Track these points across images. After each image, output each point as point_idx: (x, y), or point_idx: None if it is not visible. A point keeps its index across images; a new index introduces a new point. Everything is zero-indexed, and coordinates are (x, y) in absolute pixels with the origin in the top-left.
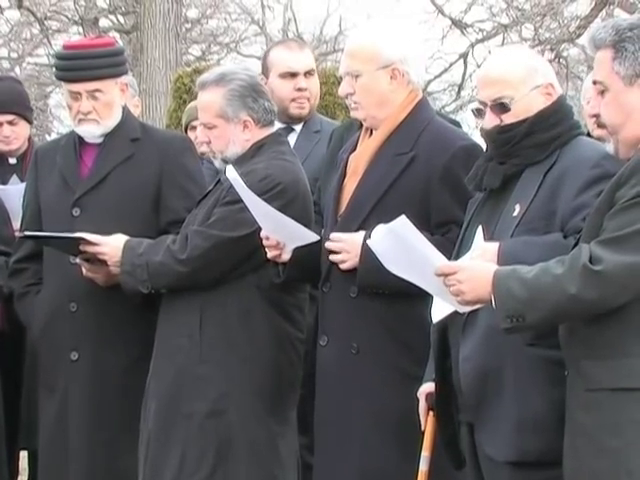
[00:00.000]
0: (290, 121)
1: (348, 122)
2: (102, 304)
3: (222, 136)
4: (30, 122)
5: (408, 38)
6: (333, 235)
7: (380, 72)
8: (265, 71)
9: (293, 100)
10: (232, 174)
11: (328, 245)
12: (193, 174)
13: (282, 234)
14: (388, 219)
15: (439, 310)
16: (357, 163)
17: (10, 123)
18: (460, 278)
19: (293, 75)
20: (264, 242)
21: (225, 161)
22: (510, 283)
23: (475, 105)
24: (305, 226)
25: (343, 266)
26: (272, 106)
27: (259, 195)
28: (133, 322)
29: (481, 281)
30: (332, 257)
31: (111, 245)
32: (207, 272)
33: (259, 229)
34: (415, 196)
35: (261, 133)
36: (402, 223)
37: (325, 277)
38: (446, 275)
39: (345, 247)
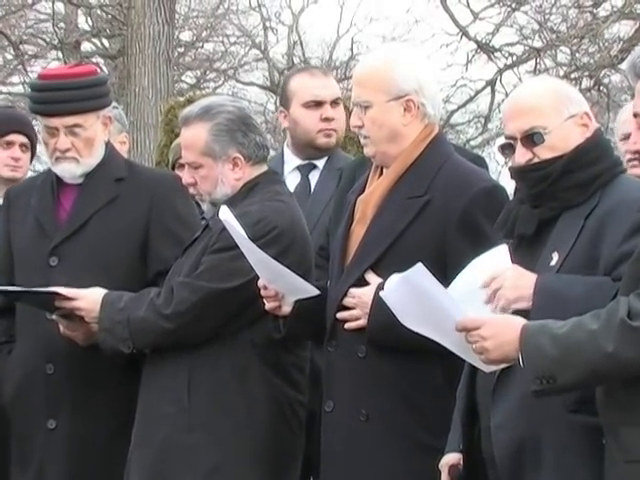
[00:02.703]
0: (315, 155)
1: (360, 158)
2: (82, 366)
3: (209, 176)
4: (32, 158)
5: (426, 65)
6: (352, 291)
7: (392, 103)
8: (285, 102)
9: (320, 131)
10: (225, 215)
11: (346, 301)
12: (185, 218)
13: (281, 284)
14: (397, 270)
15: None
16: (365, 207)
17: (23, 146)
18: (484, 334)
19: (319, 104)
20: (262, 292)
21: (214, 204)
22: (540, 340)
23: (502, 141)
24: (303, 275)
25: (357, 323)
26: (264, 141)
27: (253, 241)
28: (117, 386)
29: (508, 337)
30: (342, 314)
31: (88, 299)
32: (195, 328)
33: (254, 279)
34: (429, 245)
35: (253, 171)
36: (419, 271)
37: (330, 334)
38: (468, 330)
39: (359, 302)
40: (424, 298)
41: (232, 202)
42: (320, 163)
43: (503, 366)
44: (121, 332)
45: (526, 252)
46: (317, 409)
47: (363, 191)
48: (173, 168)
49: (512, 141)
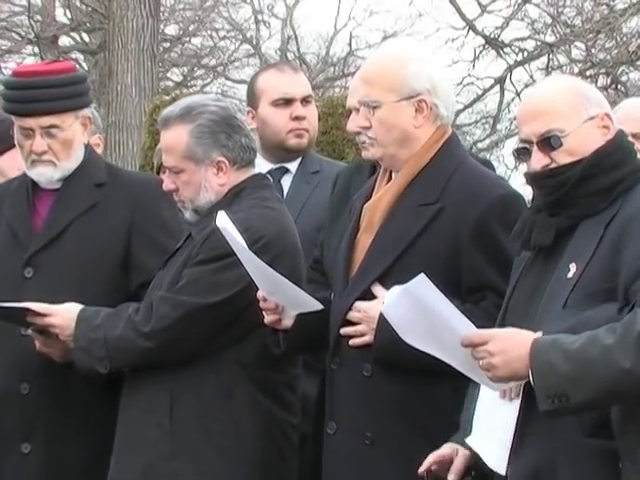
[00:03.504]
0: (286, 157)
1: (356, 163)
2: (59, 385)
3: (192, 182)
4: None
5: (438, 62)
6: (358, 305)
7: (403, 104)
8: (253, 101)
9: (290, 131)
10: (222, 222)
11: (351, 316)
12: (170, 226)
13: (281, 297)
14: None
15: (492, 454)
16: (372, 214)
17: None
18: (492, 349)
19: (288, 102)
20: (261, 304)
21: (197, 211)
22: (552, 356)
23: (517, 145)
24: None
25: (363, 340)
26: (250, 142)
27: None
28: (96, 407)
29: (517, 353)
30: (347, 330)
31: (63, 316)
32: (177, 347)
33: (240, 293)
34: (441, 256)
35: (239, 176)
36: (421, 283)
37: (333, 351)
38: (475, 346)
39: (365, 317)
40: (427, 312)
41: (216, 209)
42: (293, 167)
43: (512, 384)
44: (97, 351)
45: (543, 264)
46: (309, 432)
47: (370, 197)
48: (158, 172)
49: (527, 145)
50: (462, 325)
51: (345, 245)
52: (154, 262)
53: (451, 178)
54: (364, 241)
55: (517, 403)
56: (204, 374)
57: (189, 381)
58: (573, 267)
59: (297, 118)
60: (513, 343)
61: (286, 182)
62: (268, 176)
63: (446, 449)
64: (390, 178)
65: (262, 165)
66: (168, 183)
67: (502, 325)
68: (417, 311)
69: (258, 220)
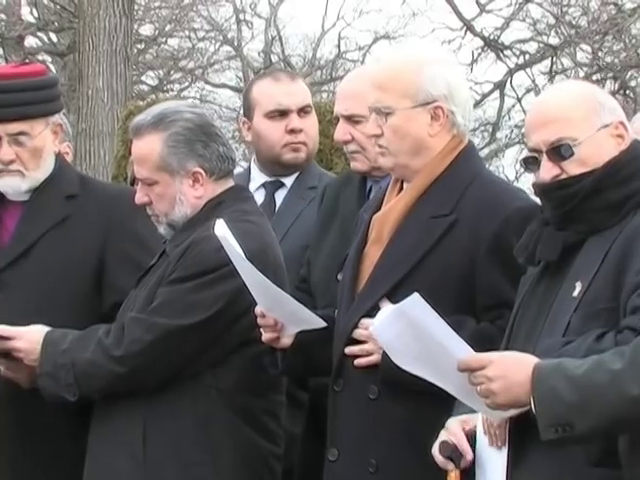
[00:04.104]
0: (282, 172)
1: (345, 175)
2: (26, 413)
3: (166, 194)
4: None
5: (456, 66)
6: (365, 322)
7: (419, 110)
8: (247, 111)
9: (285, 145)
10: (221, 231)
11: (357, 334)
12: (147, 242)
13: (281, 313)
14: None
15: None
16: (382, 226)
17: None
18: (490, 374)
19: (283, 114)
20: (259, 320)
21: (171, 226)
22: (555, 381)
23: (525, 154)
24: None
25: (369, 359)
26: (229, 152)
27: (217, 269)
28: (64, 436)
29: (518, 378)
30: (352, 349)
31: (27, 339)
32: (151, 372)
33: (219, 313)
34: (455, 271)
35: (216, 188)
36: (415, 303)
37: (337, 372)
38: (472, 370)
39: (372, 335)
40: (421, 333)
41: (193, 224)
42: (289, 181)
43: (512, 412)
44: (65, 377)
45: (549, 282)
46: (293, 465)
47: (379, 208)
48: (132, 184)
49: (536, 154)
50: (459, 348)
51: (352, 258)
52: (129, 281)
53: (467, 189)
54: (372, 254)
55: (505, 452)
56: (180, 401)
57: (164, 408)
58: (578, 285)
59: (293, 131)
60: (513, 368)
61: (280, 196)
62: (257, 188)
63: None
64: (401, 188)
65: (257, 178)
66: (140, 196)
67: (507, 349)
68: (410, 332)
69: (237, 235)
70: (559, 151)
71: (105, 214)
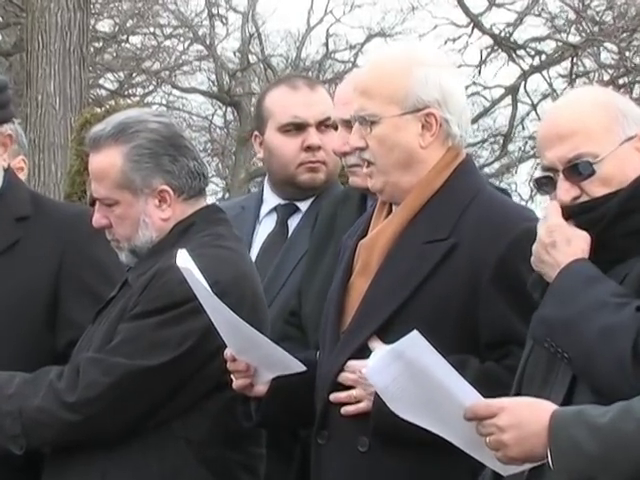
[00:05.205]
0: (297, 195)
1: (342, 194)
2: None
3: (128, 216)
4: None
5: (451, 68)
6: (351, 364)
7: (408, 118)
8: (259, 124)
9: (301, 164)
10: (183, 261)
11: (343, 378)
12: (107, 270)
13: (255, 356)
14: None
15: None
16: (369, 254)
17: None
18: (501, 424)
19: (300, 128)
20: (229, 365)
21: (134, 253)
22: (576, 432)
23: (538, 173)
24: None
25: (358, 407)
26: (201, 167)
27: (186, 302)
28: None
29: (533, 428)
30: (337, 395)
31: None
32: (110, 420)
33: (188, 353)
34: (455, 303)
35: (186, 208)
36: (414, 342)
37: (321, 422)
38: (481, 419)
39: (361, 379)
40: (421, 377)
41: (159, 250)
42: (304, 205)
43: (527, 467)
44: (10, 426)
45: None
46: None
47: (365, 234)
48: (92, 204)
49: (552, 173)
50: (465, 393)
51: (336, 291)
52: (86, 315)
53: (466, 209)
54: (359, 286)
55: None
56: (144, 453)
57: (125, 462)
58: None
59: (310, 148)
60: (528, 416)
61: (293, 222)
62: (269, 212)
63: None
64: (390, 210)
65: (270, 200)
66: (99, 218)
67: (518, 394)
68: (409, 376)
69: (210, 263)
70: (577, 169)
71: (61, 238)
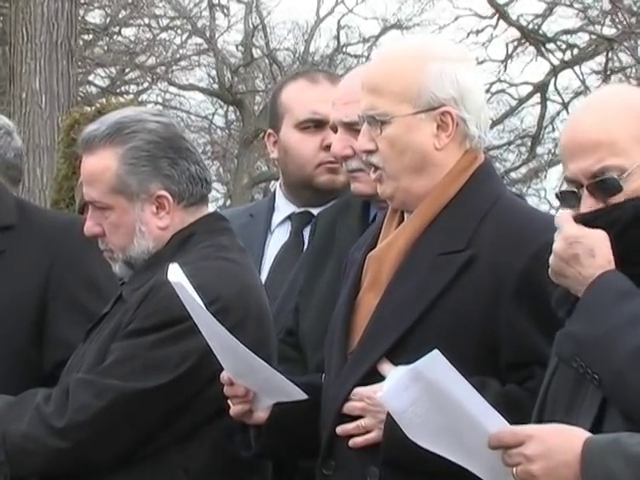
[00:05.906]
0: (314, 200)
1: (342, 201)
2: None
3: (123, 223)
4: None
5: (470, 64)
6: (359, 391)
7: (422, 117)
8: (274, 121)
9: (320, 165)
10: (175, 276)
11: (348, 407)
12: (100, 284)
13: (253, 380)
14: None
15: None
16: (379, 267)
17: None
18: (530, 453)
19: (319, 125)
20: (226, 390)
21: (129, 264)
22: (611, 462)
23: (561, 186)
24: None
25: (366, 438)
26: (203, 172)
27: (185, 319)
28: None
29: (564, 458)
30: (344, 427)
31: None
32: (101, 447)
33: (187, 375)
34: (473, 320)
35: (186, 217)
36: (434, 362)
37: (327, 452)
38: (507, 448)
39: (370, 407)
40: (442, 401)
41: (156, 261)
42: None
43: None
44: None
45: None
46: None
47: (374, 245)
48: (82, 212)
49: (575, 187)
50: (490, 419)
51: (342, 308)
52: (77, 333)
53: (485, 218)
54: (368, 303)
55: None
56: None
57: None
58: None
59: (330, 147)
60: (558, 444)
61: (308, 232)
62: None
63: None
64: (402, 219)
65: (283, 207)
66: (91, 225)
67: (540, 420)
68: (429, 400)
69: (212, 276)
70: (603, 185)
71: (49, 250)
